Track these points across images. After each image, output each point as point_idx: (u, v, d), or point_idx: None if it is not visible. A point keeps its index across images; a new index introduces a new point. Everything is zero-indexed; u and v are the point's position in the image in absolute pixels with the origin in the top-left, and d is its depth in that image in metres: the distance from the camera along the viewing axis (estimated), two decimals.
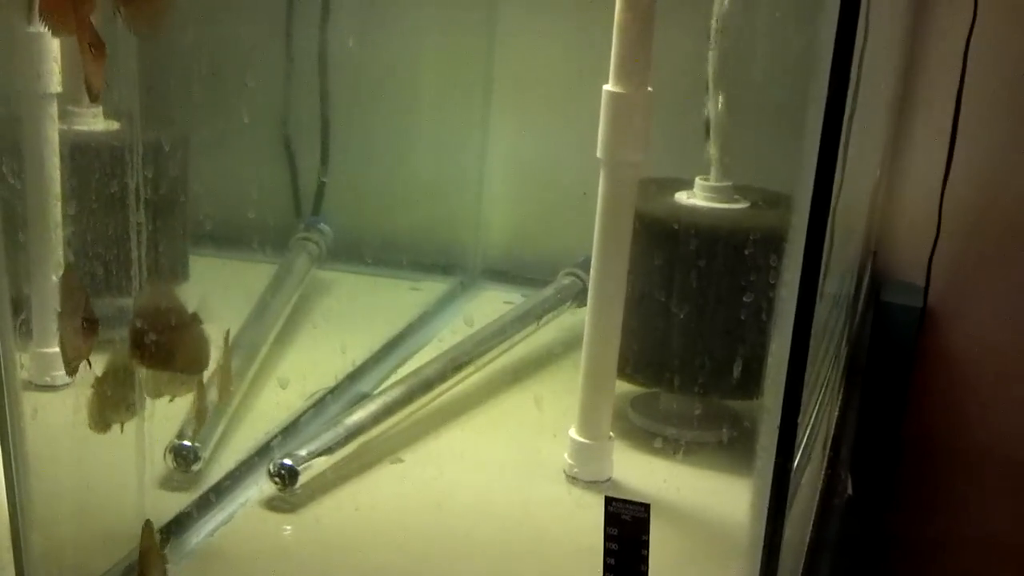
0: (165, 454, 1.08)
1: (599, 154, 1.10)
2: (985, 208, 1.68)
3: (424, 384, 1.29)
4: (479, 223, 1.78)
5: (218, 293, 1.36)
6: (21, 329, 0.89)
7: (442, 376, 1.32)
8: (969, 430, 1.74)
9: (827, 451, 1.25)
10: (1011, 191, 1.67)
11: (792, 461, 0.84)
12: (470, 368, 1.37)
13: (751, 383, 1.16)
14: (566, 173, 1.39)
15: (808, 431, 1.02)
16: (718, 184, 1.25)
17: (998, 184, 1.67)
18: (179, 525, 1.04)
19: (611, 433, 1.18)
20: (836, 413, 1.33)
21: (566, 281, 1.55)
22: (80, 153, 1.14)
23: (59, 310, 0.86)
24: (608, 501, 0.91)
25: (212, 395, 1.05)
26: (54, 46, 1.12)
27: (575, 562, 1.03)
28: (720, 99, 1.21)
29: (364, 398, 1.29)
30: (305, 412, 1.27)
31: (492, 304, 1.65)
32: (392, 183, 1.66)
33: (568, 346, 1.47)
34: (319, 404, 1.30)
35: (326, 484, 1.13)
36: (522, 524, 1.11)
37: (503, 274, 1.76)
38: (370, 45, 1.57)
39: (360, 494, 1.14)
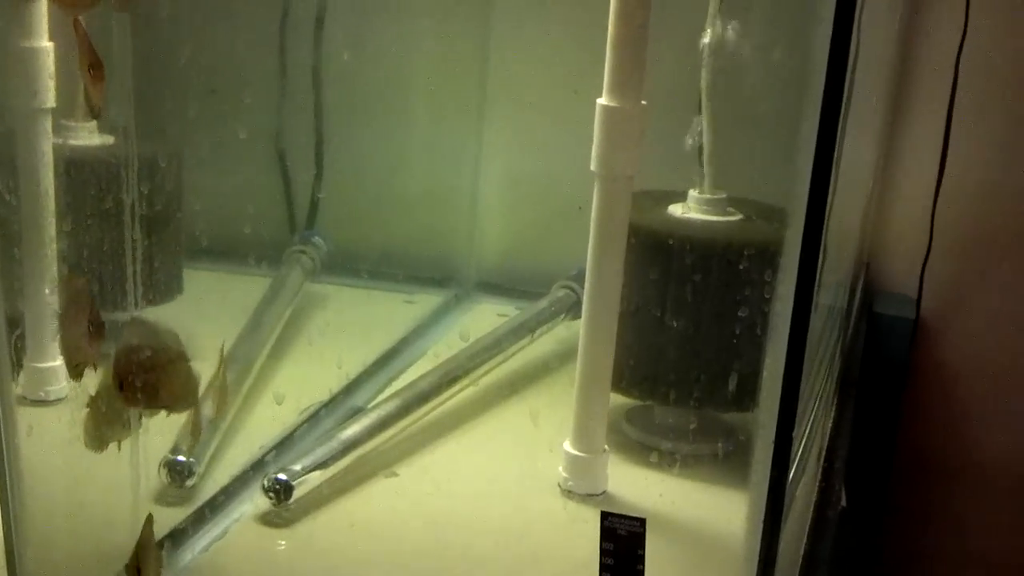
0: (159, 469, 1.08)
1: (593, 167, 1.10)
2: (977, 220, 1.69)
3: (419, 397, 1.29)
4: (473, 236, 1.79)
5: (212, 307, 1.37)
6: (16, 344, 0.89)
7: (437, 389, 1.32)
8: (962, 441, 1.74)
9: (821, 463, 1.25)
10: (1003, 203, 1.67)
11: (787, 474, 0.84)
12: (465, 381, 1.37)
13: (746, 396, 1.16)
14: (560, 186, 1.40)
15: (803, 443, 1.03)
16: (712, 197, 1.25)
17: (990, 196, 1.68)
18: (173, 540, 1.03)
19: (606, 446, 1.18)
20: (830, 425, 1.34)
21: (560, 294, 1.55)
22: (75, 168, 1.14)
23: (62, 314, 0.86)
24: (604, 515, 0.91)
25: (207, 410, 1.06)
26: (49, 62, 1.12)
27: None
28: (713, 112, 1.22)
29: (358, 412, 1.28)
30: (299, 426, 1.27)
31: (486, 317, 1.65)
32: (386, 196, 1.66)
33: (563, 359, 1.47)
34: (313, 418, 1.30)
35: (321, 499, 1.13)
36: (517, 538, 1.11)
37: (497, 287, 1.76)
38: (364, 59, 1.57)
39: (355, 509, 1.14)
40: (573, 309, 1.52)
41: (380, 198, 1.65)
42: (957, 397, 1.74)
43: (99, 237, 1.00)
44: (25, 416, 0.89)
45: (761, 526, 0.84)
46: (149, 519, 0.89)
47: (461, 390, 1.36)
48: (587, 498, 1.17)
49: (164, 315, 1.24)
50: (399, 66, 1.62)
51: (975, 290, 1.71)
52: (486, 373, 1.41)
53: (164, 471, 1.08)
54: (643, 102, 1.09)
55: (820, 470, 1.24)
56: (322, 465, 1.14)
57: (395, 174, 1.67)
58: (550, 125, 1.62)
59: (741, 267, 1.16)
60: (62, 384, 1.14)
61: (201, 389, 0.99)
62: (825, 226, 0.82)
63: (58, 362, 1.16)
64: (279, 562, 1.06)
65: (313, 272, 1.58)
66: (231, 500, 1.12)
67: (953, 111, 1.64)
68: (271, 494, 1.09)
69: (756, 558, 0.85)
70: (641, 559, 0.91)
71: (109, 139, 1.24)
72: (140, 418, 0.90)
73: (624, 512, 0.91)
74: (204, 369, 1.00)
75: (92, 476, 0.92)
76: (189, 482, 1.09)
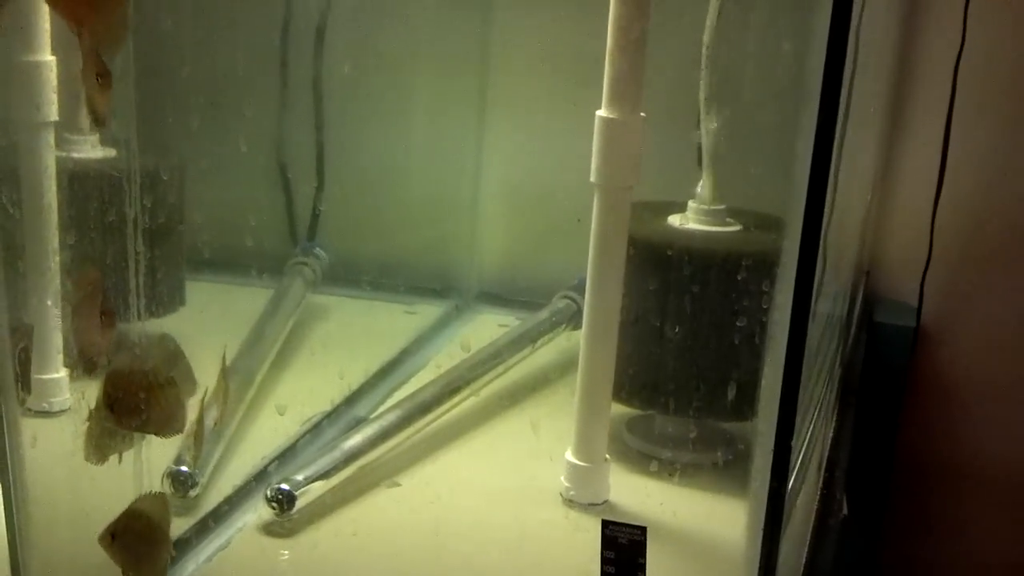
0: (163, 479, 1.08)
1: (593, 178, 1.11)
2: (977, 228, 1.69)
3: (420, 408, 1.30)
4: (474, 247, 1.79)
5: (214, 318, 1.37)
6: (20, 357, 0.89)
7: (438, 400, 1.32)
8: (962, 450, 1.74)
9: (822, 472, 1.25)
10: (1002, 211, 1.68)
11: (786, 482, 0.85)
12: (466, 391, 1.37)
13: (745, 405, 1.17)
14: (560, 197, 1.40)
15: (802, 452, 1.03)
16: (711, 207, 1.26)
17: (989, 204, 1.68)
18: (177, 550, 1.04)
19: (607, 456, 1.19)
20: (830, 434, 1.34)
21: (561, 304, 1.55)
22: (78, 180, 1.14)
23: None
24: (605, 524, 0.92)
25: (210, 420, 1.06)
26: (52, 75, 1.13)
27: None
28: (712, 122, 1.22)
29: (360, 422, 1.29)
30: (302, 437, 1.28)
31: (487, 327, 1.65)
32: (387, 208, 1.66)
33: (563, 369, 1.47)
34: (316, 428, 1.31)
35: (323, 509, 1.14)
36: (519, 547, 1.11)
37: (498, 297, 1.77)
38: (364, 71, 1.58)
39: (357, 519, 1.14)
40: (573, 319, 1.52)
41: (381, 210, 1.66)
42: (957, 405, 1.74)
43: (102, 249, 1.01)
44: (29, 427, 0.89)
45: (761, 534, 0.84)
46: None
47: (462, 400, 1.36)
48: (588, 507, 1.17)
49: (166, 327, 1.25)
50: (399, 78, 1.63)
51: (975, 299, 1.72)
52: (487, 383, 1.41)
53: (167, 481, 1.09)
54: (642, 114, 1.10)
55: (821, 478, 1.24)
56: (324, 475, 1.14)
57: (396, 186, 1.68)
58: (550, 137, 1.63)
59: (740, 277, 1.16)
60: (65, 396, 1.15)
61: (204, 396, 1.00)
62: (823, 236, 0.83)
63: (61, 374, 1.17)
64: (282, 572, 1.06)
65: (315, 283, 1.59)
66: (234, 510, 1.13)
67: (952, 120, 1.64)
68: (274, 504, 1.10)
69: (756, 566, 0.86)
70: (642, 568, 0.91)
71: (111, 152, 1.25)
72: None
73: (625, 521, 0.92)
74: (205, 380, 1.01)
75: (96, 486, 0.92)
76: (192, 492, 1.10)
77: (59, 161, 1.18)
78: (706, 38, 1.19)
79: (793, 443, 0.84)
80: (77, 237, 1.09)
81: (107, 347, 0.87)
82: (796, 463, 0.94)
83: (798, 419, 0.84)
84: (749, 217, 1.27)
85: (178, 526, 1.06)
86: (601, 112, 1.09)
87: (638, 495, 1.19)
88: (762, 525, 0.84)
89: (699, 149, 1.24)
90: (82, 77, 0.80)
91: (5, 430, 0.87)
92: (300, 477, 1.12)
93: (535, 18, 1.65)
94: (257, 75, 1.57)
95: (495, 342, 1.47)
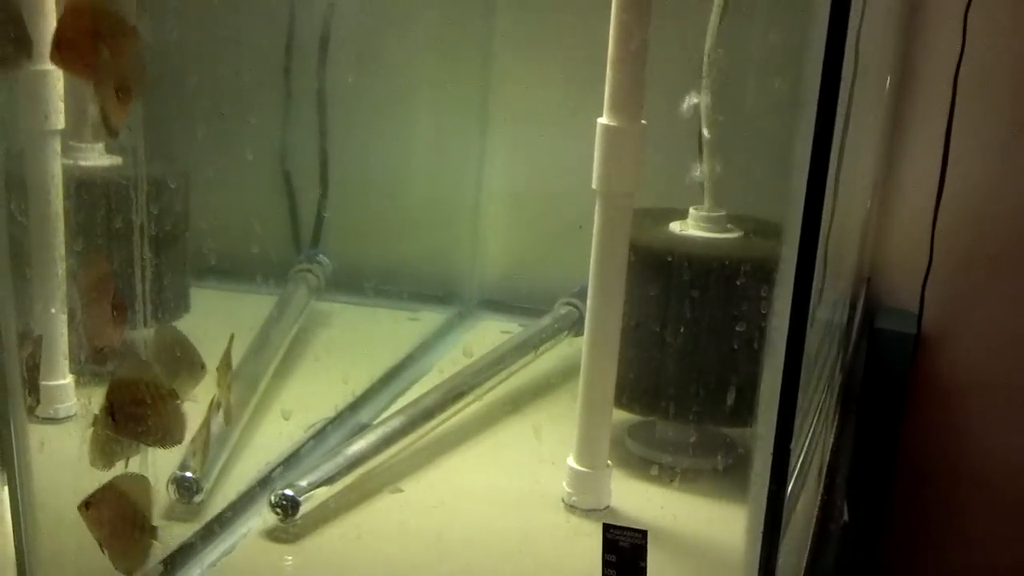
0: (167, 485, 1.09)
1: (594, 185, 1.12)
2: (978, 234, 1.69)
3: (423, 414, 1.30)
4: (476, 253, 1.80)
5: (219, 324, 1.38)
6: (28, 364, 0.90)
7: (441, 405, 1.33)
8: (963, 456, 1.74)
9: (823, 478, 1.26)
10: (1003, 218, 1.68)
11: (786, 487, 0.85)
12: (469, 398, 1.38)
13: (745, 410, 1.17)
14: (562, 203, 1.41)
15: (802, 458, 1.03)
16: (712, 214, 1.27)
17: (990, 210, 1.68)
18: (182, 556, 1.04)
19: (609, 461, 1.19)
20: (831, 440, 1.34)
21: (563, 311, 1.56)
22: (84, 188, 1.15)
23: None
24: (606, 528, 0.92)
25: (215, 427, 1.07)
26: (59, 84, 1.14)
27: None
28: (712, 129, 1.23)
29: (364, 428, 1.30)
30: (306, 442, 1.28)
31: (490, 334, 1.66)
32: (391, 215, 1.67)
33: (566, 375, 1.48)
34: (320, 434, 1.31)
35: (327, 514, 1.14)
36: (522, 552, 1.12)
37: (501, 304, 1.77)
38: (368, 79, 1.58)
39: (361, 524, 1.14)
40: (576, 326, 1.53)
41: (384, 217, 1.67)
42: (958, 412, 1.74)
43: (108, 256, 1.02)
44: (36, 433, 0.90)
45: (760, 537, 0.85)
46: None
47: (465, 406, 1.37)
48: (590, 512, 1.18)
49: None
50: (402, 86, 1.64)
51: (976, 305, 1.72)
52: (490, 389, 1.42)
53: (172, 487, 1.09)
54: (643, 121, 1.10)
55: (822, 484, 1.25)
56: (328, 481, 1.15)
57: (399, 193, 1.69)
58: (552, 144, 1.63)
59: (740, 283, 1.17)
60: (72, 402, 1.15)
61: (211, 402, 1.01)
62: (822, 242, 0.83)
63: (68, 380, 1.17)
64: None
65: (318, 290, 1.59)
66: (239, 515, 1.13)
67: (952, 127, 1.65)
68: (278, 510, 1.10)
69: (756, 569, 0.86)
70: (643, 571, 0.92)
71: (118, 159, 1.25)
72: None
73: (626, 525, 0.92)
74: (210, 385, 1.02)
75: None
76: (197, 498, 1.10)
77: (66, 169, 1.19)
78: (708, 44, 1.20)
79: (792, 447, 0.84)
80: (84, 244, 1.09)
81: (119, 340, 0.87)
82: (795, 467, 0.95)
83: (797, 424, 0.85)
84: (750, 223, 1.28)
85: (183, 532, 1.07)
86: (603, 120, 1.10)
87: (639, 500, 1.20)
88: (762, 528, 0.85)
89: (700, 155, 1.24)
90: (95, 90, 0.80)
91: (13, 436, 0.87)
92: (304, 483, 1.13)
93: (537, 26, 1.66)
94: (262, 84, 1.58)
95: (497, 348, 1.47)
